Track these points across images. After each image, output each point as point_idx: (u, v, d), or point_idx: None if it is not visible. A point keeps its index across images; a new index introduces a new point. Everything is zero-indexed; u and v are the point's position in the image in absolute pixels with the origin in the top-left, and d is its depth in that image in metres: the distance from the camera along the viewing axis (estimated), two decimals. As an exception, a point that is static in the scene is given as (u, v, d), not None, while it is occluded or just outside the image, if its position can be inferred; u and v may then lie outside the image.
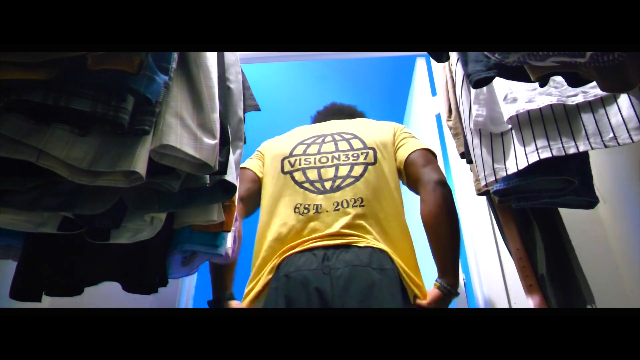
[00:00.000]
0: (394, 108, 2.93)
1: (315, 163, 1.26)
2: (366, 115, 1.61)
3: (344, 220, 1.14)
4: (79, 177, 0.77)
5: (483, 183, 1.12)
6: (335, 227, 1.13)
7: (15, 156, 0.74)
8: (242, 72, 1.30)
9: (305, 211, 1.18)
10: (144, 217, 0.96)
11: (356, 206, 1.16)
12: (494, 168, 1.10)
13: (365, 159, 1.24)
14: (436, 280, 1.12)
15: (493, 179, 1.09)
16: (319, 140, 1.33)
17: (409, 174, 1.25)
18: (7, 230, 1.02)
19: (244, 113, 1.24)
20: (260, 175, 1.35)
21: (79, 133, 0.78)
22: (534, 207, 1.27)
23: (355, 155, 1.26)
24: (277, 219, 1.21)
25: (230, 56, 1.19)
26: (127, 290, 1.13)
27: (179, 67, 0.91)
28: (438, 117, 1.99)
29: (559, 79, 1.03)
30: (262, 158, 1.40)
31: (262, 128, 2.83)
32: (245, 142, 1.25)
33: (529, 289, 1.21)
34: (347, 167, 1.23)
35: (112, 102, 0.74)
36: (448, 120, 1.57)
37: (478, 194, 1.39)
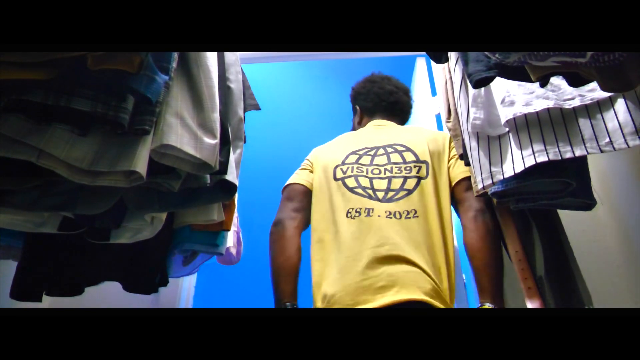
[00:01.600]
0: (394, 108, 2.92)
1: (367, 173, 1.27)
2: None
3: (396, 235, 1.13)
4: (79, 177, 0.77)
5: (480, 186, 1.12)
6: (387, 250, 1.11)
7: (15, 156, 0.74)
8: (242, 72, 1.30)
9: (357, 214, 1.18)
10: (144, 217, 0.96)
11: (409, 217, 1.16)
12: (491, 171, 1.10)
13: (418, 172, 1.25)
14: (484, 304, 1.11)
15: (490, 182, 1.09)
16: (372, 152, 1.33)
17: (454, 195, 1.28)
18: (7, 230, 1.03)
19: (244, 112, 1.24)
20: (310, 187, 1.34)
21: (79, 133, 0.78)
22: (533, 209, 1.26)
23: (408, 168, 1.26)
24: (330, 225, 1.21)
25: (230, 56, 1.19)
26: (127, 290, 1.13)
27: (179, 67, 0.91)
28: (438, 117, 1.98)
29: (556, 82, 1.03)
30: (311, 167, 1.39)
31: (262, 128, 2.83)
32: (245, 142, 1.25)
33: (527, 292, 1.21)
34: (400, 180, 1.23)
35: (112, 102, 0.74)
36: (447, 122, 1.56)
37: (476, 196, 1.39)
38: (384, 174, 1.25)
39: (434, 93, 2.07)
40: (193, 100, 0.91)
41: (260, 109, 1.36)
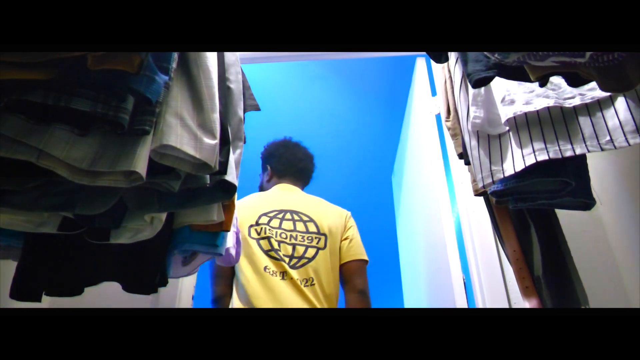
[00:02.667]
0: (394, 108, 2.93)
1: (276, 237, 1.45)
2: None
3: (299, 296, 1.32)
4: (79, 177, 0.77)
5: (480, 184, 1.13)
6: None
7: (15, 156, 0.74)
8: (242, 72, 1.30)
9: (273, 275, 1.37)
10: (144, 217, 0.96)
11: (307, 285, 1.36)
12: (491, 170, 1.10)
13: (317, 243, 1.45)
14: None
15: (490, 180, 1.10)
16: (280, 216, 1.51)
17: (342, 273, 1.48)
18: (7, 230, 1.02)
19: (244, 112, 1.24)
20: None
21: (79, 133, 0.78)
22: (531, 209, 1.27)
23: (310, 238, 1.46)
24: (246, 282, 1.37)
25: (230, 56, 1.19)
26: (127, 291, 1.13)
27: (179, 67, 0.91)
28: (438, 117, 1.99)
29: (556, 81, 1.03)
30: None
31: (262, 128, 2.83)
32: (245, 142, 1.25)
33: (525, 291, 1.21)
34: (303, 248, 1.43)
35: (112, 102, 0.74)
36: (446, 121, 1.57)
37: (475, 195, 1.39)
38: (290, 240, 1.45)
39: (434, 93, 2.07)
40: (193, 100, 0.91)
41: (260, 110, 1.36)
